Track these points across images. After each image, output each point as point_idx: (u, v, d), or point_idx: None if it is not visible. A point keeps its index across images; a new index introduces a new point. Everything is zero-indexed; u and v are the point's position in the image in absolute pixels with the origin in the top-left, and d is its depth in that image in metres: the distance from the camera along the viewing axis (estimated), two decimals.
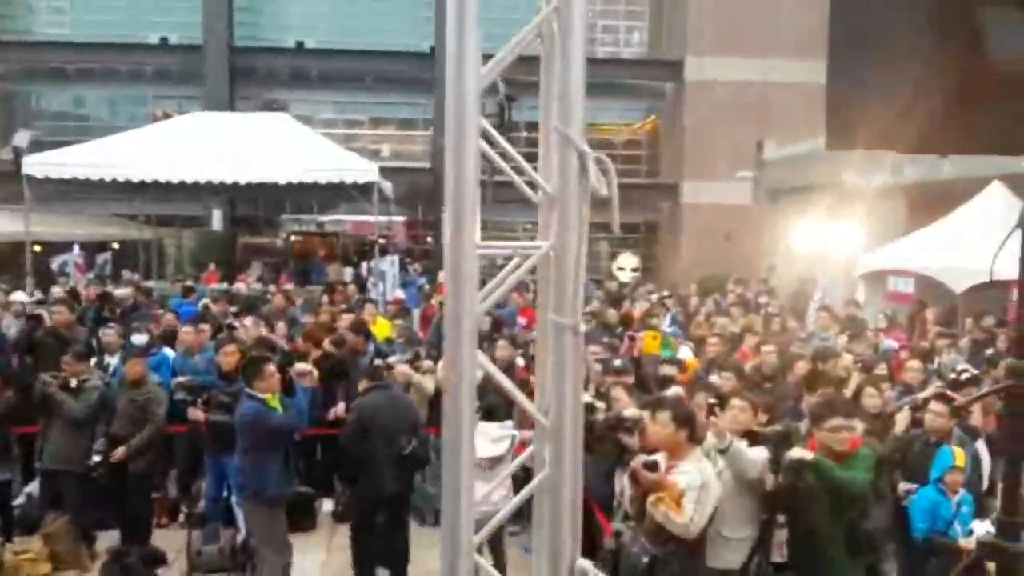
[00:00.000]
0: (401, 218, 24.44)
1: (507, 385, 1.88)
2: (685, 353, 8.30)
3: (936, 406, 5.27)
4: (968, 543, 4.80)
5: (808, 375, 6.28)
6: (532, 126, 22.40)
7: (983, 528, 4.83)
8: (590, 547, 5.14)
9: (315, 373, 6.85)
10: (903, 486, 5.24)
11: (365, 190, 13.66)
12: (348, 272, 17.02)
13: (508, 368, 7.13)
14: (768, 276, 17.66)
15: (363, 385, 6.30)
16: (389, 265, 15.19)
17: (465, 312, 1.66)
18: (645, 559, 4.24)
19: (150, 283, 15.34)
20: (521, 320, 10.75)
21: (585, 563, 1.80)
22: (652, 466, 4.25)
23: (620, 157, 25.87)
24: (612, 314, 10.80)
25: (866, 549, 4.53)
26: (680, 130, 24.52)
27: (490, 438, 5.48)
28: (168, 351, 8.08)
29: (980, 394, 5.83)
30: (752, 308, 12.25)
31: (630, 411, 5.27)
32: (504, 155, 1.84)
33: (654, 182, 26.36)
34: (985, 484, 6.25)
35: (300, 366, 6.60)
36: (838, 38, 2.30)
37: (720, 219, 22.03)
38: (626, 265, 20.38)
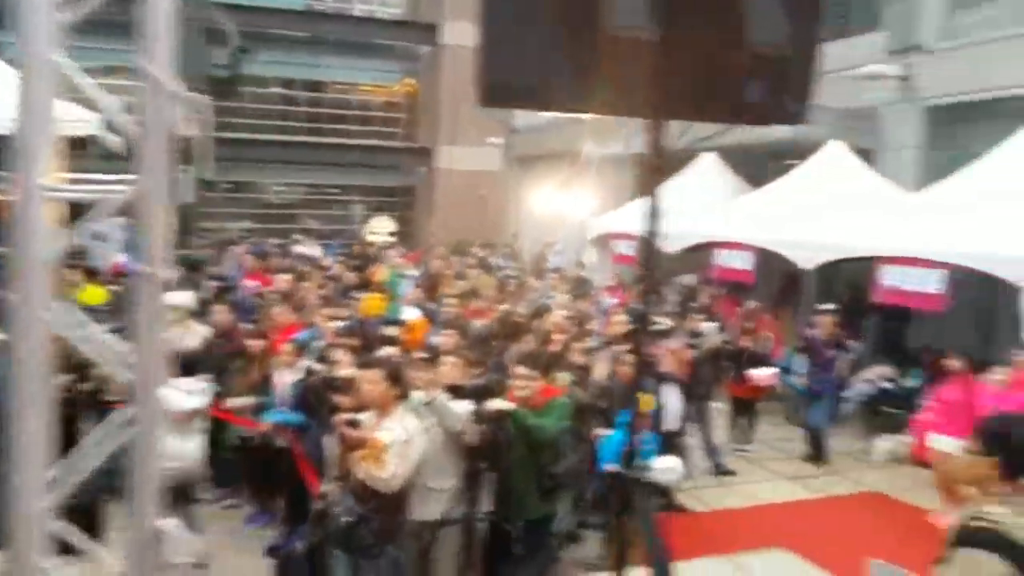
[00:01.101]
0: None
1: (87, 347, 1.75)
2: (411, 314, 8.40)
3: (628, 357, 5.78)
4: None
5: (512, 330, 6.59)
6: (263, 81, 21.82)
7: (667, 464, 5.39)
8: (304, 511, 5.13)
9: None
10: (599, 430, 5.69)
11: (86, 144, 12.28)
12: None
13: (226, 334, 6.82)
14: (513, 241, 18.42)
15: None
16: (112, 227, 13.83)
17: (33, 263, 1.51)
18: (349, 518, 4.28)
19: None
20: (249, 283, 10.33)
21: (166, 523, 1.74)
22: (355, 423, 4.27)
23: (378, 119, 25.55)
24: (350, 277, 10.71)
25: (555, 489, 4.88)
26: (435, 94, 24.65)
27: (184, 391, 5.17)
28: None
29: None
30: (491, 271, 12.69)
31: (344, 371, 5.26)
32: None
33: (411, 146, 26.36)
34: (678, 424, 7.01)
35: None
36: (488, 6, 2.39)
37: (473, 185, 22.54)
38: (380, 229, 20.28)
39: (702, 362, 7.81)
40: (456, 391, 4.84)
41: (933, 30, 12.10)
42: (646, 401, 5.50)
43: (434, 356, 5.01)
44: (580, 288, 10.18)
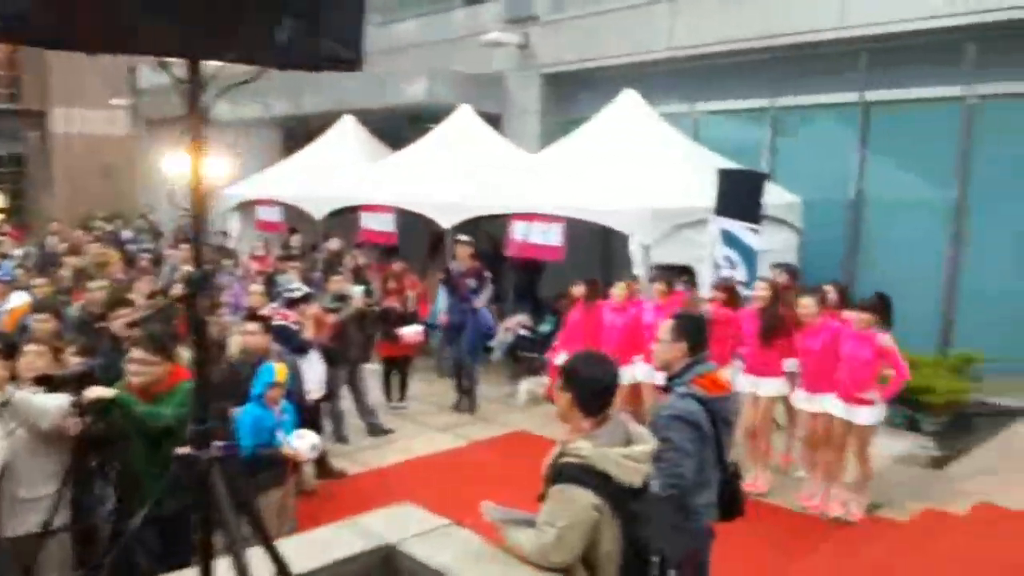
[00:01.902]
0: None
1: None
2: (19, 299, 7.25)
3: (251, 326, 5.47)
4: (290, 450, 5.13)
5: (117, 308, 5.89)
6: None
7: (302, 437, 5.21)
8: None
9: None
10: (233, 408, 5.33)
11: None
12: None
13: None
14: (147, 211, 16.77)
15: None
16: None
17: None
18: None
19: None
20: None
21: None
22: None
23: None
24: None
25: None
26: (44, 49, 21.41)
27: None
28: None
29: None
30: (119, 245, 11.41)
31: None
32: None
33: (16, 108, 22.71)
34: (321, 391, 6.84)
35: None
36: None
37: (97, 151, 20.05)
38: None
39: (348, 325, 7.72)
40: (46, 382, 4.16)
41: (546, 2, 13.12)
42: (280, 371, 5.29)
43: (8, 347, 4.26)
44: (222, 257, 9.51)
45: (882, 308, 5.91)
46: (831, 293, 6.44)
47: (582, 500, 2.59)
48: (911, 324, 9.28)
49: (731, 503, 3.69)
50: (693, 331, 3.68)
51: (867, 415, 5.81)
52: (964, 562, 4.92)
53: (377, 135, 13.65)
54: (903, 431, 7.82)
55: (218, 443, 2.26)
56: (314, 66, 2.20)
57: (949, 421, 7.98)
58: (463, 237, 9.42)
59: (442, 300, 9.42)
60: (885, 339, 5.73)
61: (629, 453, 2.65)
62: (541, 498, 2.77)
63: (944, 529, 5.53)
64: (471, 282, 9.11)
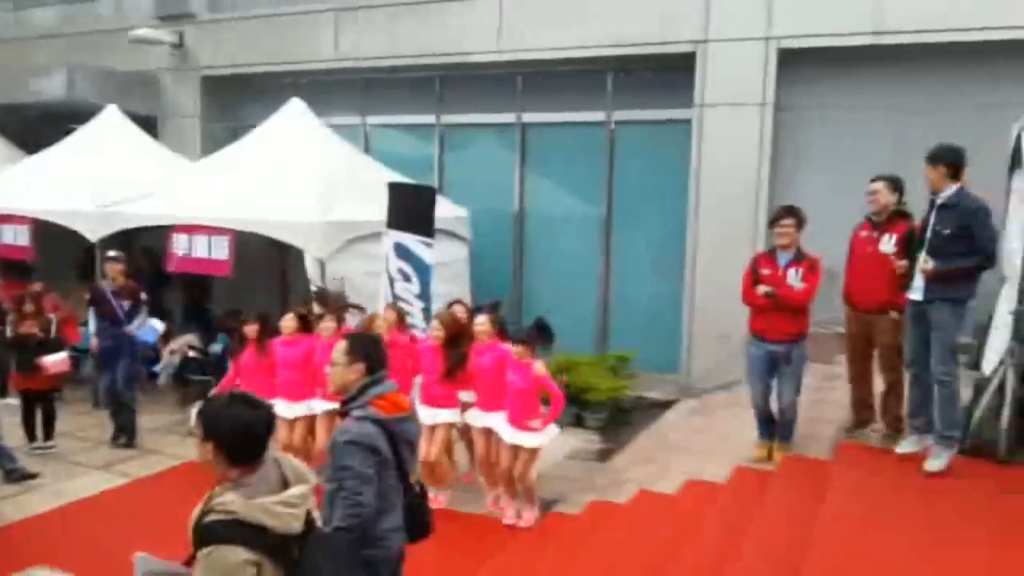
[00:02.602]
0: None
1: None
2: None
3: None
4: None
5: None
6: None
7: None
8: None
9: None
10: None
11: None
12: None
13: None
14: None
15: None
16: None
17: None
18: None
19: None
20: None
21: None
22: None
23: None
24: None
25: None
26: None
27: None
28: None
29: None
30: None
31: None
32: None
33: None
34: None
35: None
36: None
37: None
38: None
39: None
40: None
41: (203, 0, 12.40)
42: None
43: None
44: None
45: (537, 335, 6.18)
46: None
47: (233, 559, 2.37)
48: (575, 328, 10.35)
49: (419, 524, 3.67)
50: (370, 351, 3.58)
51: (532, 440, 6.07)
52: (627, 545, 5.46)
53: (9, 136, 11.86)
54: (572, 428, 8.51)
55: None
56: None
57: (610, 416, 8.90)
58: (113, 253, 8.50)
59: (92, 323, 8.45)
60: (539, 367, 6.02)
61: (283, 499, 2.48)
62: (189, 562, 2.48)
63: (610, 518, 6.06)
64: (124, 303, 8.28)
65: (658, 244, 10.22)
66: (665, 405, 9.09)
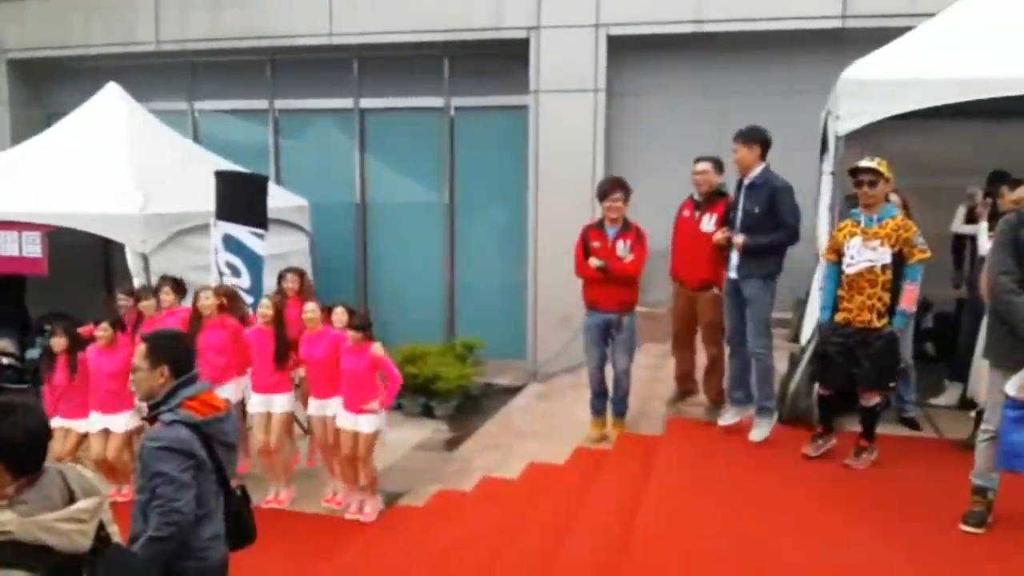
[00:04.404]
0: None
1: None
2: None
3: None
4: None
5: None
6: None
7: None
8: None
9: None
10: None
11: None
12: None
13: None
14: None
15: None
16: None
17: None
18: None
19: None
20: None
21: None
22: None
23: None
24: None
25: None
26: None
27: None
28: None
29: None
30: None
31: None
32: None
33: None
34: None
35: None
36: None
37: None
38: None
39: None
40: None
41: None
42: None
43: None
44: None
45: (371, 322, 6.11)
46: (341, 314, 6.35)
47: None
48: (421, 318, 10.22)
49: (241, 530, 3.45)
50: (175, 351, 3.36)
51: (369, 423, 5.99)
52: (467, 534, 5.42)
53: None
54: (421, 418, 8.44)
55: None
56: None
57: (459, 405, 8.84)
58: None
59: None
60: (377, 348, 5.97)
61: (67, 514, 2.30)
62: None
63: (454, 508, 6.02)
64: None
65: (501, 230, 10.26)
66: (514, 391, 9.15)
